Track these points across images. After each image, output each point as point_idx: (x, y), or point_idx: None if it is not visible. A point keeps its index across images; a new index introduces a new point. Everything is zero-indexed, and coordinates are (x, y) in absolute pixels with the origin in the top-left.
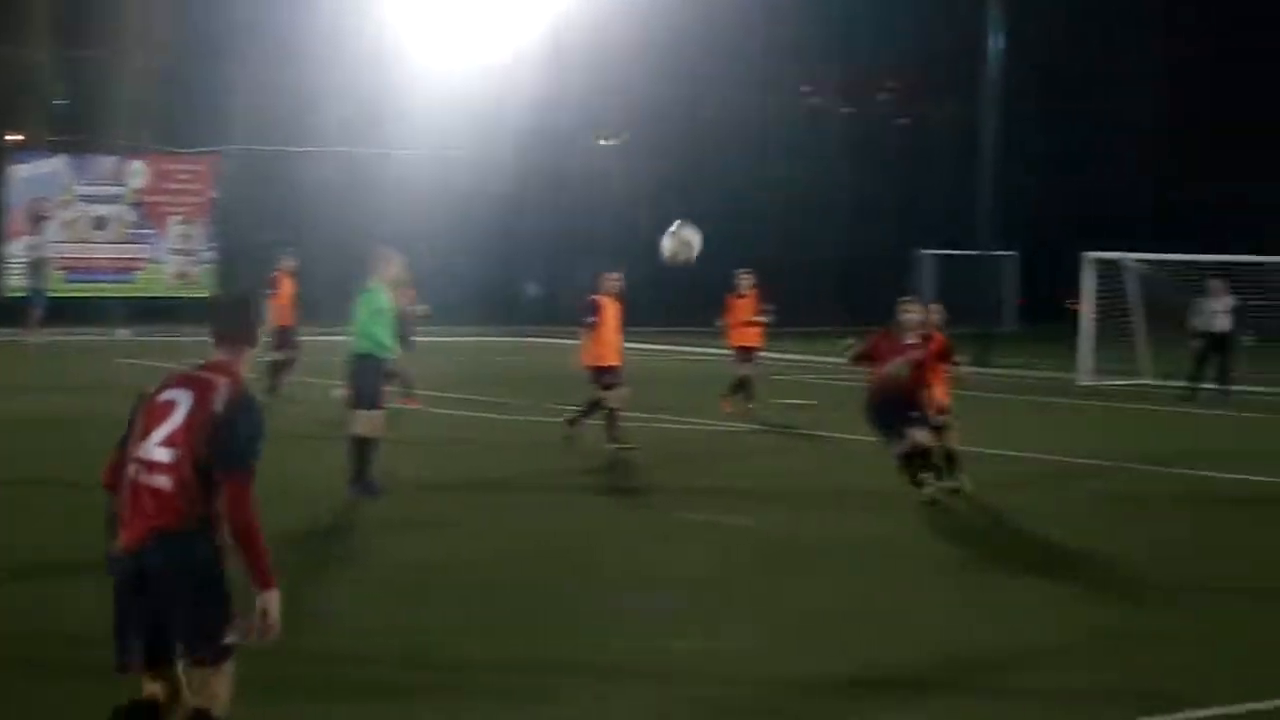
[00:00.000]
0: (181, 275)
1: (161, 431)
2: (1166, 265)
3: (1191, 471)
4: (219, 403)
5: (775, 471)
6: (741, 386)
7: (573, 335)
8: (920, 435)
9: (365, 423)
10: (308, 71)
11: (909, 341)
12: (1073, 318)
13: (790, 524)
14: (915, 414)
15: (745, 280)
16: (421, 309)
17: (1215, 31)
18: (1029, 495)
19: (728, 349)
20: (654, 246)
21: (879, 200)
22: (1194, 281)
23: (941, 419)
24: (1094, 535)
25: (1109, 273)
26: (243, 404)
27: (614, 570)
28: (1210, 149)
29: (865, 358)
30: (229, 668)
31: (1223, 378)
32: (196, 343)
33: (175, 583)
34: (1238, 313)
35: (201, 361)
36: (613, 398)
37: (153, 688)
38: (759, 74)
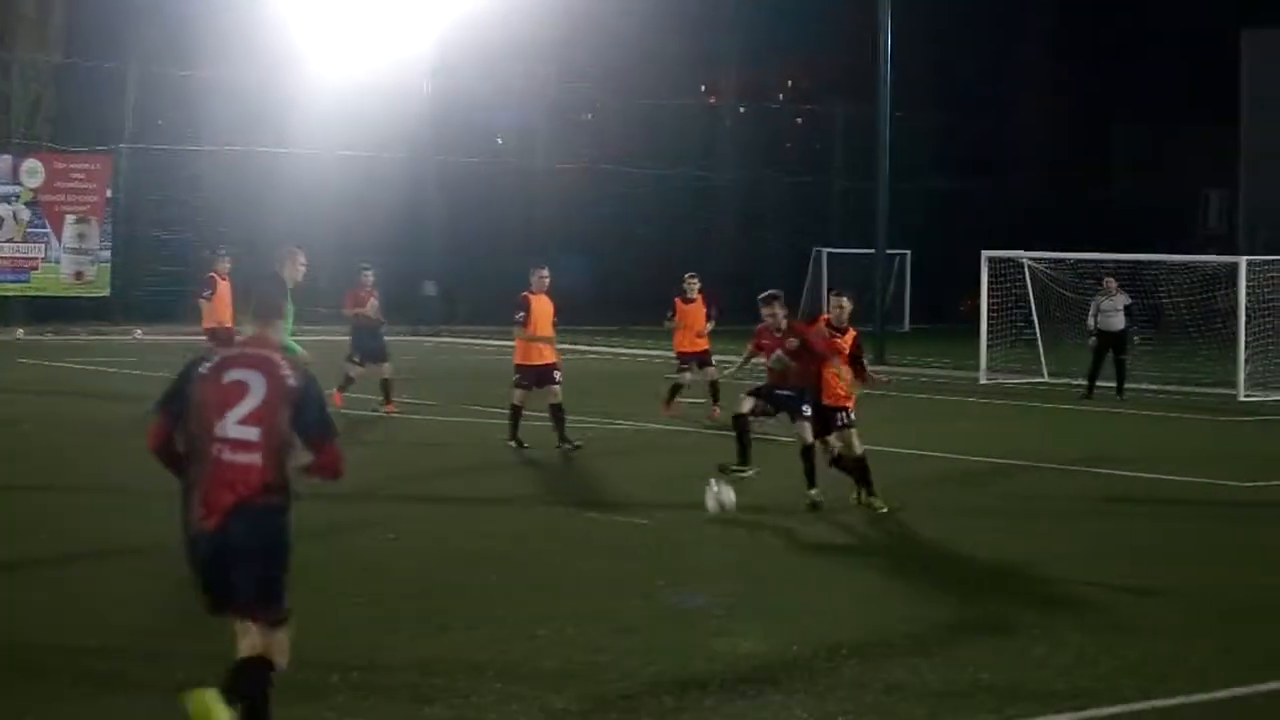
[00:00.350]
0: (78, 275)
1: (240, 410)
2: (1063, 264)
3: (1091, 470)
4: (292, 378)
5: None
6: (678, 390)
7: (472, 335)
8: (805, 432)
9: None
10: (203, 70)
11: (781, 335)
12: (966, 317)
13: (685, 523)
14: (805, 408)
15: (693, 284)
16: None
17: (1106, 31)
18: (933, 494)
19: (675, 354)
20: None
21: (775, 199)
22: (1090, 280)
23: (847, 418)
24: (996, 533)
25: (1006, 272)
26: (307, 374)
27: (535, 572)
28: (1107, 149)
29: (756, 351)
30: (288, 629)
31: (1119, 376)
32: (94, 342)
33: (255, 550)
34: (1131, 311)
35: (242, 340)
36: (550, 393)
37: (242, 633)
38: (657, 74)
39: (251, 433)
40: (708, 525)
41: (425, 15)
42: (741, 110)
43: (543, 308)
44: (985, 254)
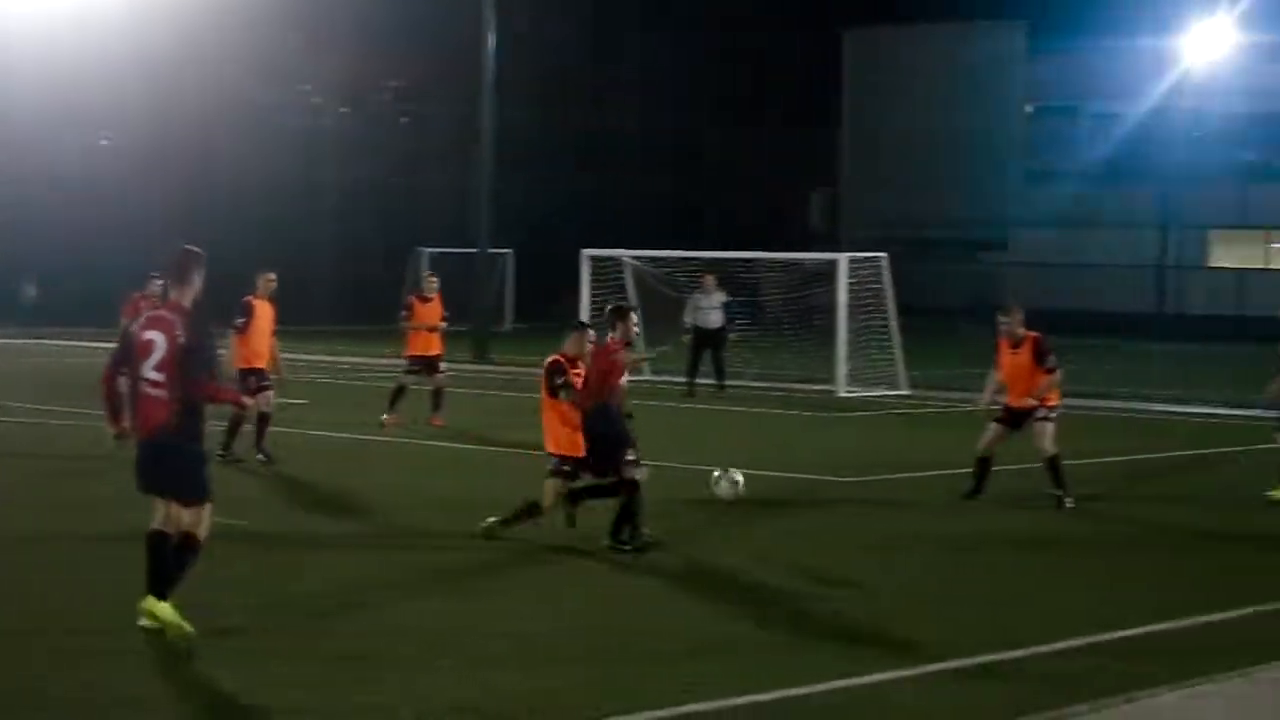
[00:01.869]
0: None
1: (152, 360)
2: (664, 262)
3: (692, 466)
4: (182, 337)
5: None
6: (401, 394)
7: (72, 336)
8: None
9: None
10: None
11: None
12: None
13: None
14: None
15: (431, 283)
16: None
17: (714, 32)
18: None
19: (402, 357)
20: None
21: (379, 197)
22: (692, 278)
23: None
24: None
25: (607, 269)
26: (195, 331)
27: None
28: (709, 149)
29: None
30: (209, 507)
31: (718, 372)
32: None
33: (171, 458)
34: (729, 309)
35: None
36: (261, 401)
37: (161, 511)
38: (262, 72)
39: (160, 376)
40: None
41: (19, 15)
42: (345, 109)
43: (265, 313)
44: (586, 252)
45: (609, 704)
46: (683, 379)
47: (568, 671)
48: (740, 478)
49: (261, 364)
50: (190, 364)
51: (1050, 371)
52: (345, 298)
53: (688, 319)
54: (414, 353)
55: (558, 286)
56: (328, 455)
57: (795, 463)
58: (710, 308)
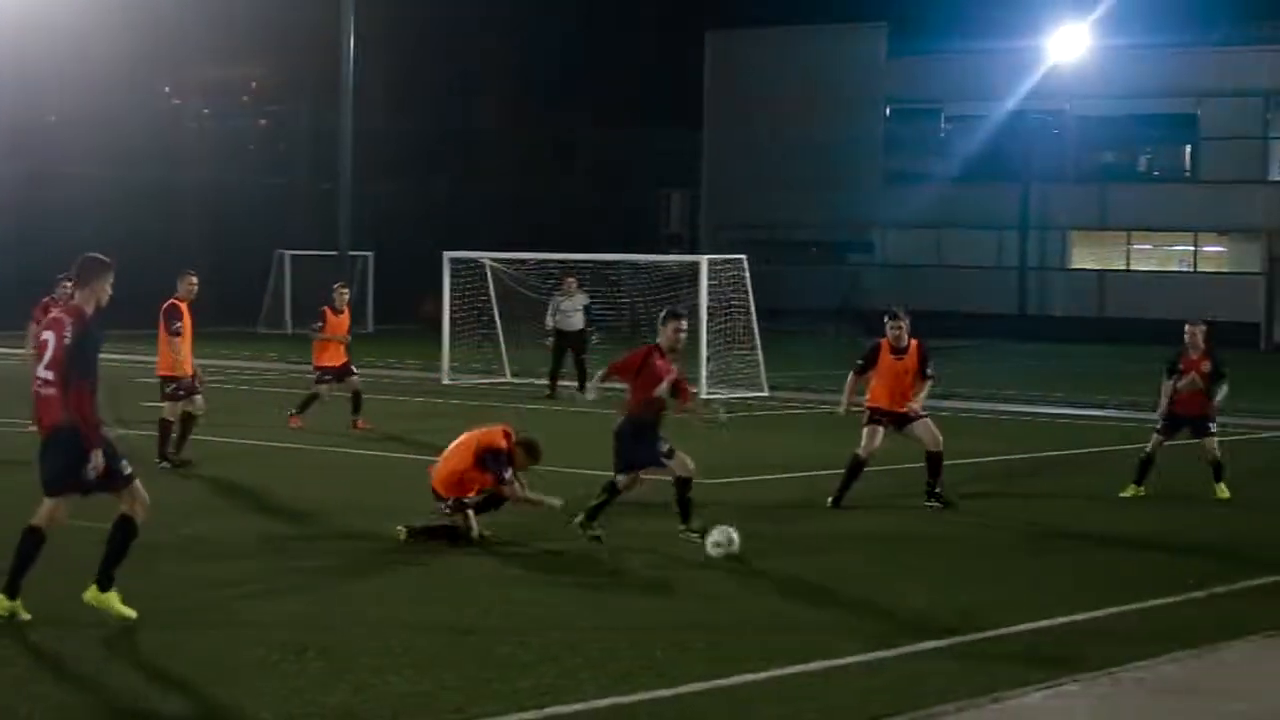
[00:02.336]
0: None
1: (45, 359)
2: (525, 265)
3: (558, 469)
4: (69, 337)
5: None
6: (312, 402)
7: None
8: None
9: None
10: None
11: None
12: (426, 317)
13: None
14: (667, 446)
15: (342, 294)
16: None
17: (575, 33)
18: (394, 498)
19: (314, 366)
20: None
21: (241, 201)
22: (551, 280)
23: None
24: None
25: (468, 272)
26: (79, 333)
27: None
28: (570, 151)
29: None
30: (137, 485)
31: (580, 374)
32: None
33: (63, 451)
34: (590, 311)
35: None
36: (174, 409)
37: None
38: (120, 75)
39: (50, 375)
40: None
41: None
42: (206, 111)
43: (188, 318)
44: (447, 255)
45: (476, 706)
46: (545, 380)
47: (438, 674)
48: (727, 538)
49: (189, 370)
50: (70, 365)
51: (930, 379)
52: (208, 301)
53: (550, 321)
54: (323, 364)
55: (419, 289)
56: (221, 460)
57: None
58: (572, 310)
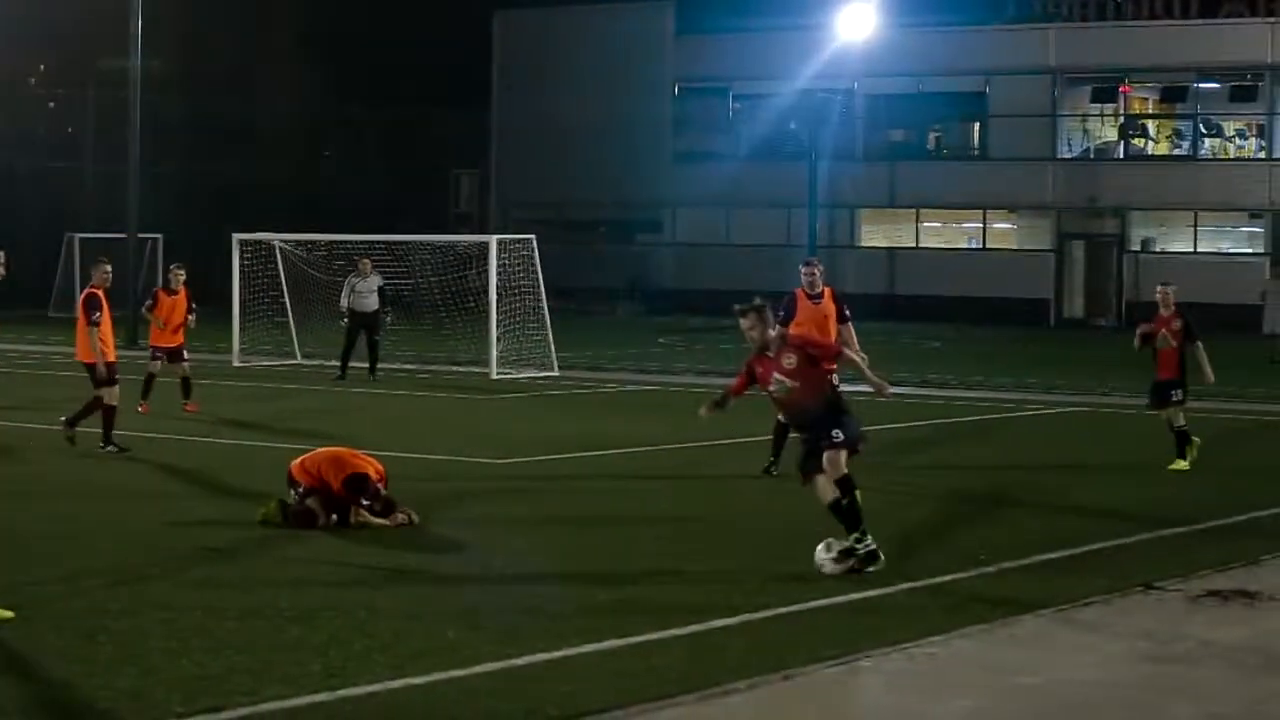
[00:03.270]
0: None
1: None
2: (314, 246)
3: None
4: None
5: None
6: (151, 383)
7: None
8: (838, 463)
9: None
10: None
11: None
12: (218, 300)
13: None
14: (835, 433)
15: (178, 276)
16: None
17: (356, 11)
18: (200, 481)
19: (150, 345)
20: None
21: (30, 184)
22: (342, 262)
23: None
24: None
25: (259, 253)
26: None
27: None
28: (359, 132)
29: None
30: None
31: (372, 357)
32: None
33: None
34: (384, 292)
35: None
36: (113, 394)
37: None
38: None
39: None
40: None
41: None
42: None
43: (106, 303)
44: (236, 236)
45: (269, 689)
46: (336, 362)
47: (229, 657)
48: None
49: (110, 355)
50: None
51: (847, 322)
52: None
53: (344, 302)
54: (157, 343)
55: (209, 271)
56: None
57: (448, 446)
58: (367, 291)
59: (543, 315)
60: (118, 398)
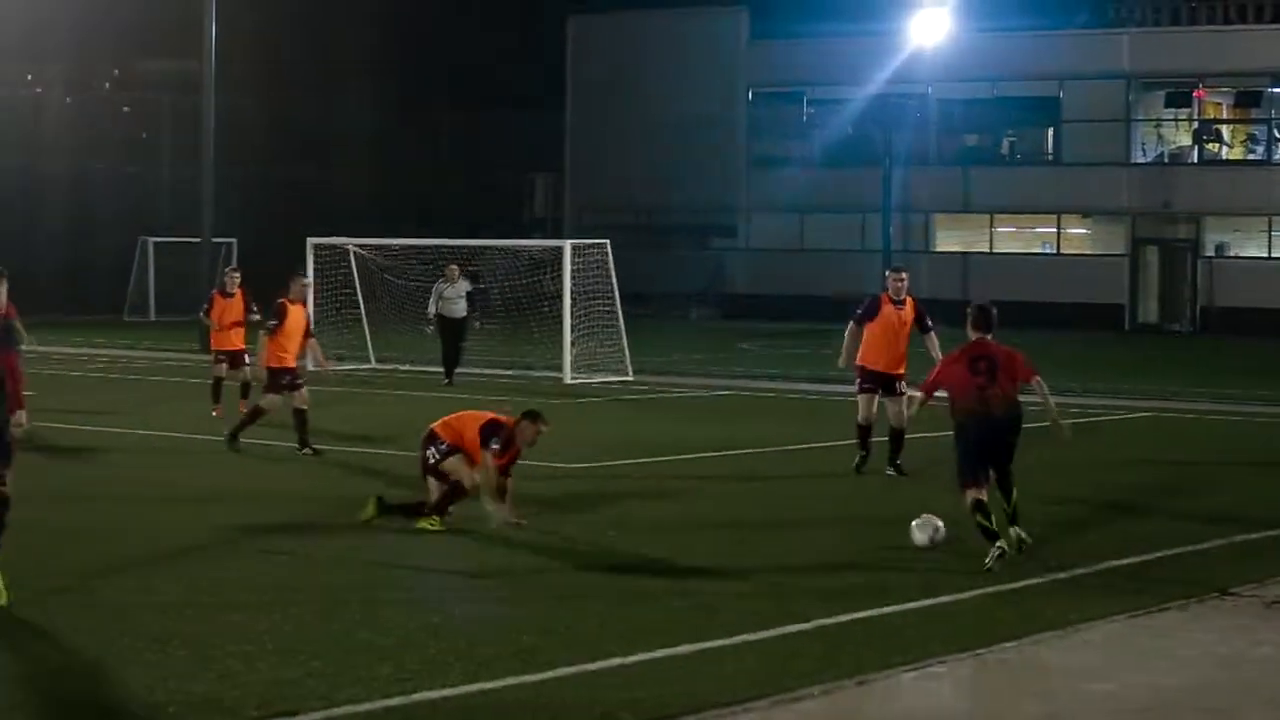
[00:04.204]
0: None
1: None
2: (389, 250)
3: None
4: None
5: None
6: (219, 386)
7: None
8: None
9: None
10: None
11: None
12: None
13: None
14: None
15: (234, 278)
16: None
17: (433, 15)
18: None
19: (210, 351)
20: None
21: (104, 189)
22: (419, 265)
23: None
24: (316, 522)
25: (333, 258)
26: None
27: None
28: (435, 136)
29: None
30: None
31: (453, 361)
32: None
33: None
34: (473, 298)
35: None
36: (273, 402)
37: None
38: None
39: None
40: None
41: None
42: (68, 100)
43: (297, 314)
44: (311, 241)
45: (341, 692)
46: (410, 367)
47: (305, 662)
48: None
49: (291, 363)
50: None
51: (931, 331)
52: (75, 288)
53: (433, 308)
54: (219, 346)
55: (285, 276)
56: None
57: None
58: (455, 296)
59: (616, 320)
60: (277, 407)
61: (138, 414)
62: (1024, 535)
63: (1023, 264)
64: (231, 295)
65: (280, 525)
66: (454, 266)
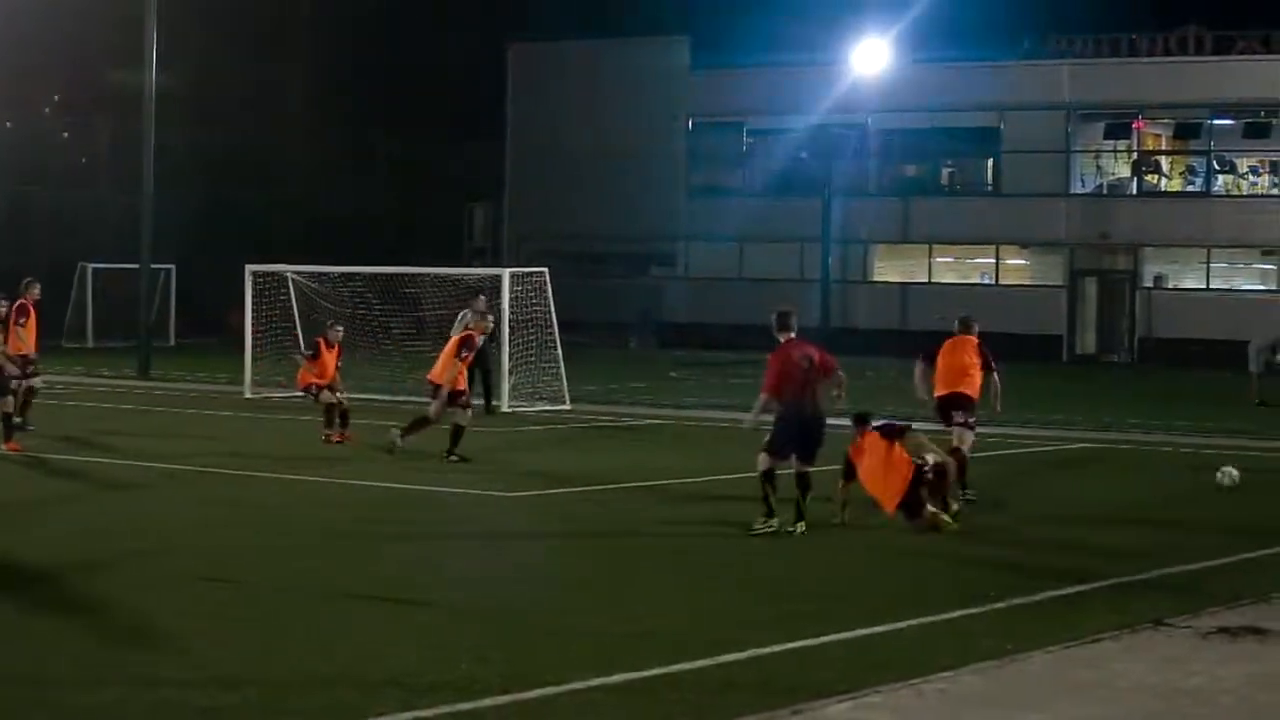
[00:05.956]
0: None
1: None
2: (326, 278)
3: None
4: None
5: None
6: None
7: None
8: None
9: None
10: None
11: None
12: (232, 331)
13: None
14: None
15: (336, 332)
16: None
17: (372, 44)
18: (204, 511)
19: (302, 387)
20: None
21: (42, 213)
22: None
23: None
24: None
25: (272, 285)
26: None
27: None
28: (373, 164)
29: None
30: None
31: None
32: None
33: None
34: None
35: None
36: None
37: None
38: None
39: None
40: None
41: None
42: (8, 125)
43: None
44: (249, 267)
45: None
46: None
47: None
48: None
49: (461, 384)
50: None
51: (995, 371)
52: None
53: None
54: (311, 381)
55: (224, 302)
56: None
57: (455, 480)
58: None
59: (555, 348)
60: (468, 419)
61: (75, 440)
62: None
63: (961, 295)
64: (333, 347)
65: (226, 551)
66: (481, 297)
